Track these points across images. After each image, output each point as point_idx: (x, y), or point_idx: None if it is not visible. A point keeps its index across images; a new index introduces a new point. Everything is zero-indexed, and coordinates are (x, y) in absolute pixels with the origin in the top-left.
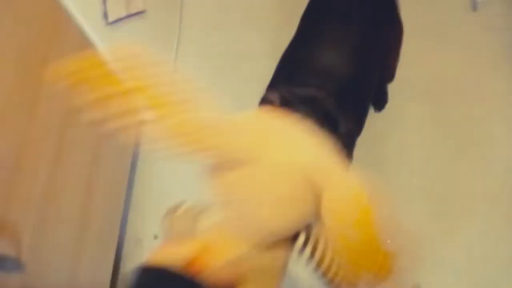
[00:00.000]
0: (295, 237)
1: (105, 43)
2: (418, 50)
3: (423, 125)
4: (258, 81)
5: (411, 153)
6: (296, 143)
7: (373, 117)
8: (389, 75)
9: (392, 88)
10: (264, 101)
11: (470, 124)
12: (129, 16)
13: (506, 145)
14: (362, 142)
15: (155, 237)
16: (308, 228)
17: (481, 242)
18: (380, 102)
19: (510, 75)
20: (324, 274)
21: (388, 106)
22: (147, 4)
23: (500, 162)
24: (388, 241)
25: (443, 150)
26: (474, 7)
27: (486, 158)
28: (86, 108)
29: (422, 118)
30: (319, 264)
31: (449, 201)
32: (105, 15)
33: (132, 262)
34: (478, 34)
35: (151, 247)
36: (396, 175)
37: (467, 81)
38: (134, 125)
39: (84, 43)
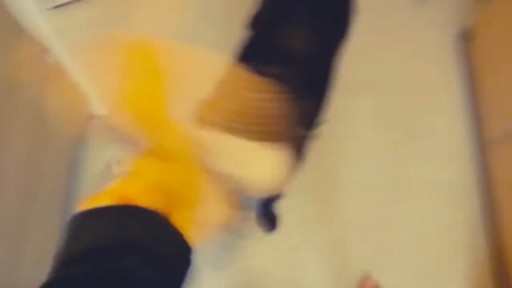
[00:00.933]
0: None
1: (48, 32)
2: (362, 45)
3: (369, 118)
4: None
5: (358, 145)
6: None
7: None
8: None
9: (339, 82)
10: None
11: (414, 116)
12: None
13: (447, 135)
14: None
15: None
16: None
17: (428, 228)
18: None
19: (451, 68)
20: None
21: (334, 100)
22: None
23: (442, 151)
24: None
25: (388, 141)
26: (415, 3)
27: (430, 147)
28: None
29: (368, 111)
30: None
31: (395, 189)
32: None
33: None
34: (419, 30)
35: None
36: (343, 166)
37: (411, 75)
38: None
39: (19, 32)
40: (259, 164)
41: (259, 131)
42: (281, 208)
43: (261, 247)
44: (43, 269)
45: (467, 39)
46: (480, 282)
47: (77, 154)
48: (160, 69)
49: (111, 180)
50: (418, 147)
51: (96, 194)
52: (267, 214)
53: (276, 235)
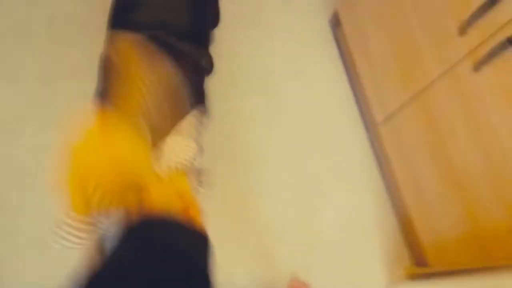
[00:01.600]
0: None
1: None
2: (243, 40)
3: (264, 117)
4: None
5: (261, 146)
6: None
7: (218, 121)
8: (217, 22)
9: (227, 84)
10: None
11: (306, 108)
12: None
13: (341, 122)
14: (214, 145)
15: None
16: None
17: (342, 216)
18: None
19: (330, 55)
20: None
21: (229, 104)
22: None
23: (340, 140)
24: None
25: (289, 138)
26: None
27: (329, 137)
28: None
29: (263, 109)
30: None
31: (306, 186)
32: None
33: None
34: (294, 21)
35: None
36: (251, 170)
37: (294, 68)
38: None
39: None
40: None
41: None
42: None
43: None
44: None
45: (336, 24)
46: (398, 254)
47: None
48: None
49: None
50: (319, 139)
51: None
52: None
53: None
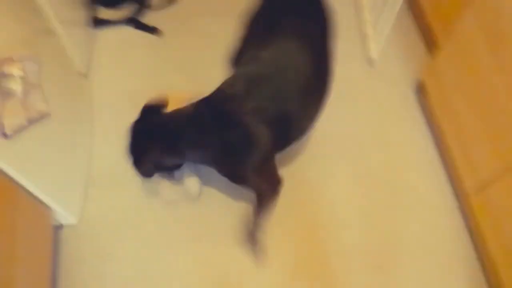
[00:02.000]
0: None
1: (7, 161)
2: (330, 108)
3: (347, 181)
4: None
5: (342, 211)
6: None
7: (301, 181)
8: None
9: (313, 148)
10: None
11: (391, 174)
12: (31, 123)
13: (424, 186)
14: (294, 205)
15: None
16: None
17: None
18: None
19: (415, 121)
20: None
21: (313, 167)
22: (51, 104)
23: (424, 205)
24: None
25: (373, 203)
26: (370, 63)
27: (411, 203)
28: None
29: (345, 174)
30: None
31: (384, 251)
32: (1, 128)
33: None
34: (378, 88)
35: None
36: (330, 231)
37: (379, 133)
38: None
39: None
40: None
41: None
42: None
43: None
44: None
45: (421, 93)
46: None
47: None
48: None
49: None
50: (404, 206)
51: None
52: None
53: None
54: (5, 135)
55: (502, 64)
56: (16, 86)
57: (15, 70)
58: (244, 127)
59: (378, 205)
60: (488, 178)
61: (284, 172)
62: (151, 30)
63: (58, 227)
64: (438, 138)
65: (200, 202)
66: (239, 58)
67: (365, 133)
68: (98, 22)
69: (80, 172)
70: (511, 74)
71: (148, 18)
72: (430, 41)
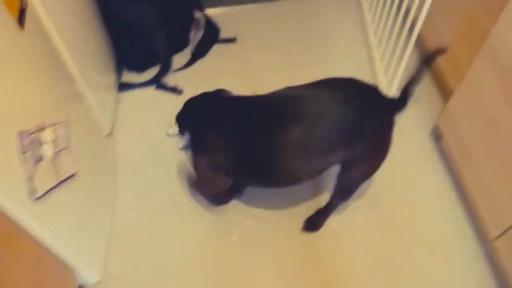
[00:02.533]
0: None
1: (37, 221)
2: None
3: (370, 227)
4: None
5: (365, 256)
6: None
7: (320, 231)
8: None
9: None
10: None
11: (410, 220)
12: (60, 183)
13: (446, 232)
14: (314, 255)
15: None
16: None
17: None
18: None
19: (431, 165)
20: None
21: (333, 216)
22: (78, 164)
23: (447, 252)
24: None
25: (392, 249)
26: None
27: (433, 250)
28: None
29: (367, 221)
30: None
31: None
32: (32, 192)
33: None
34: (395, 135)
35: None
36: (352, 279)
37: (397, 179)
38: None
39: (12, 228)
40: None
41: None
42: None
43: None
44: None
45: (438, 139)
46: None
47: None
48: None
49: None
50: (425, 252)
51: None
52: None
53: None
54: (36, 198)
55: None
56: (48, 151)
57: (47, 136)
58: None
59: (399, 252)
60: (511, 221)
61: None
62: (172, 89)
63: (81, 287)
64: (458, 183)
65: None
66: None
67: (384, 180)
68: (123, 86)
69: (104, 229)
70: None
71: (170, 78)
72: (443, 88)
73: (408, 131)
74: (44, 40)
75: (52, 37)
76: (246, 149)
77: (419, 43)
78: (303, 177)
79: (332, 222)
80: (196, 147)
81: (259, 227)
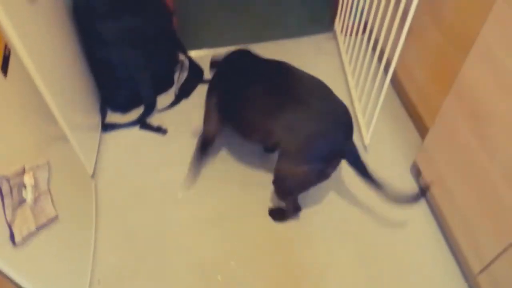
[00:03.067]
0: None
1: (15, 268)
2: (332, 193)
3: (354, 263)
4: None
5: None
6: None
7: (306, 266)
8: None
9: (317, 232)
10: None
11: (394, 255)
12: (39, 227)
13: (430, 268)
14: None
15: None
16: None
17: None
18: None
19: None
20: None
21: (316, 251)
22: (59, 207)
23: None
24: None
25: (376, 285)
26: (365, 149)
27: (416, 285)
28: None
29: (351, 256)
30: None
31: None
32: (11, 238)
33: None
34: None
35: None
36: None
37: (380, 214)
38: None
39: None
40: None
41: None
42: None
43: None
44: None
45: (417, 174)
46: None
47: None
48: None
49: None
50: (408, 286)
51: None
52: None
53: None
54: (14, 243)
55: (486, 143)
56: (27, 195)
57: (27, 180)
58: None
59: None
60: (492, 255)
61: (288, 253)
62: (156, 129)
63: None
64: (440, 219)
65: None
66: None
67: (368, 216)
68: (107, 126)
69: (84, 275)
70: (497, 152)
71: (154, 118)
72: (419, 125)
73: (388, 165)
74: (27, 85)
75: (36, 81)
76: (231, 95)
77: (395, 82)
78: (257, 131)
79: (314, 257)
80: (208, 85)
81: (244, 266)
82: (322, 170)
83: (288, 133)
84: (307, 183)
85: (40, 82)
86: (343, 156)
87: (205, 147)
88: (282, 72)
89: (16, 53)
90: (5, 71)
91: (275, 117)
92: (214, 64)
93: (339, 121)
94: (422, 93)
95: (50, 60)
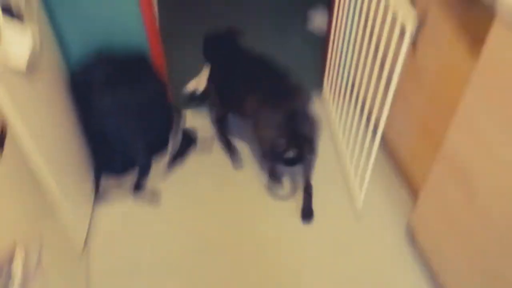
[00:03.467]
0: None
1: None
2: (321, 256)
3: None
4: None
5: None
6: None
7: None
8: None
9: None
10: None
11: None
12: None
13: None
14: None
15: None
16: None
17: None
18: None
19: (404, 261)
20: None
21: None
22: (49, 283)
23: None
24: None
25: None
26: (357, 213)
27: None
28: None
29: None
30: None
31: None
32: None
33: None
34: (367, 235)
35: None
36: None
37: (372, 276)
38: None
39: None
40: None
41: None
42: None
43: None
44: None
45: (410, 235)
46: None
47: None
48: None
49: None
50: None
51: None
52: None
53: None
54: None
55: (476, 207)
56: (17, 272)
57: (17, 256)
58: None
59: None
60: None
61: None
62: (150, 197)
63: None
64: (433, 279)
65: None
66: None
67: (360, 278)
68: (100, 194)
69: None
70: (487, 218)
71: (148, 183)
72: (411, 187)
73: (381, 228)
74: (22, 159)
75: (31, 156)
76: (222, 83)
77: (385, 142)
78: (239, 109)
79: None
80: (208, 75)
81: None
82: (276, 137)
83: (255, 110)
84: (268, 147)
85: (36, 155)
86: (293, 121)
87: (221, 125)
88: (259, 65)
89: (12, 129)
90: (0, 148)
91: (249, 97)
92: (207, 51)
93: (289, 98)
94: (411, 153)
95: (46, 133)
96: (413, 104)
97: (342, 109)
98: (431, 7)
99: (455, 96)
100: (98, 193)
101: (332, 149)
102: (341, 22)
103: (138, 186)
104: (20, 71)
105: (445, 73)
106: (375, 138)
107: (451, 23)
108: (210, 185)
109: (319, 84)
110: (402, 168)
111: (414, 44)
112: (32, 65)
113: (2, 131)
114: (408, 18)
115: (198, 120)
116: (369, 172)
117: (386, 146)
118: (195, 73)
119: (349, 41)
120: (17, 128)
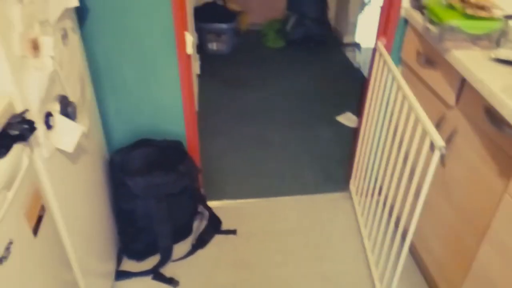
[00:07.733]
0: None
1: None
2: None
3: None
4: None
5: None
6: None
7: None
8: None
9: None
10: None
11: None
12: None
13: None
14: None
15: None
16: None
17: None
18: None
19: None
20: None
21: None
22: None
23: None
24: None
25: None
26: None
27: None
28: None
29: None
30: None
31: None
32: None
33: None
34: None
35: None
36: None
37: None
38: None
39: None
40: None
41: None
42: None
43: None
44: None
45: None
46: None
47: None
48: None
49: None
50: None
51: None
52: None
53: None
54: None
55: None
56: None
57: None
58: None
59: None
60: None
61: None
62: (169, 281)
63: None
64: None
65: None
66: None
67: None
68: (121, 274)
69: None
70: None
71: (168, 267)
72: None
73: None
74: (54, 240)
75: (62, 237)
76: None
77: (412, 250)
78: None
79: None
80: None
81: None
82: None
83: None
84: None
85: (66, 235)
86: None
87: None
88: None
89: (49, 212)
90: (35, 232)
91: None
92: None
93: None
94: (440, 267)
95: (79, 214)
96: (442, 218)
97: (369, 210)
98: (460, 122)
99: (485, 217)
100: (118, 272)
101: (357, 248)
102: (370, 128)
103: (158, 270)
104: (67, 153)
105: (475, 193)
106: (403, 243)
107: (482, 140)
108: (229, 270)
109: (346, 182)
110: (430, 279)
111: (442, 156)
112: (78, 148)
113: (40, 214)
114: (437, 139)
115: (222, 209)
116: (396, 278)
117: (414, 252)
118: (226, 162)
119: (377, 147)
120: (54, 210)
